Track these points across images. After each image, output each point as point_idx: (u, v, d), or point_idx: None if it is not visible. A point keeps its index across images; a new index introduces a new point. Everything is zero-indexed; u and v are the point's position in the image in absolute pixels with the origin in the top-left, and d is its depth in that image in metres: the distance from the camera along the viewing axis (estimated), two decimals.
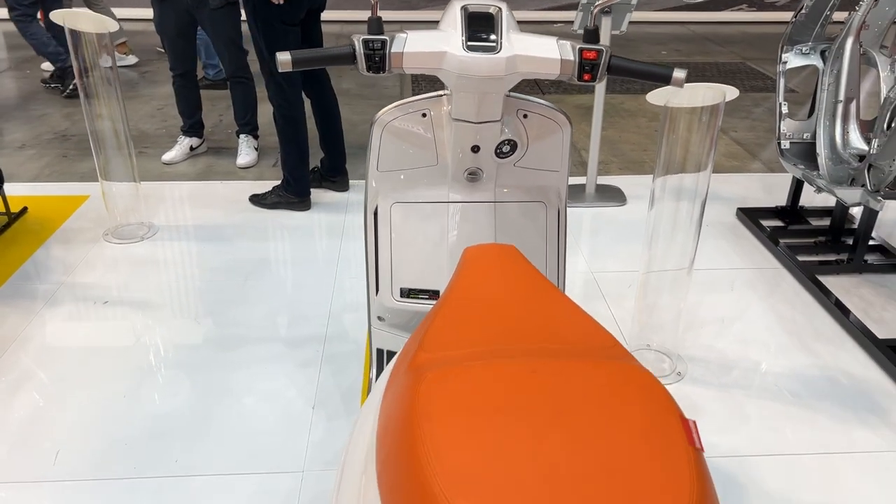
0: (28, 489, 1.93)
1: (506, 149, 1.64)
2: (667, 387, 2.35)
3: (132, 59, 6.10)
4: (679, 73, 1.45)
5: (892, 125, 2.52)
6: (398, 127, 1.68)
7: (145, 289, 2.87)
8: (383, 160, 1.72)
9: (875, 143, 2.62)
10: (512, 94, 1.62)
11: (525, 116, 1.67)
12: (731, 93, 2.11)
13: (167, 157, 4.13)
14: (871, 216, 2.96)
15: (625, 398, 0.84)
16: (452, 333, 1.04)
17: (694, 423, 0.83)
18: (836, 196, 2.79)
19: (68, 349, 2.50)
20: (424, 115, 1.66)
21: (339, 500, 1.07)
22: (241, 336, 2.58)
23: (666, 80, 1.46)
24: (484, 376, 0.88)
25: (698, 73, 6.10)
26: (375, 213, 1.78)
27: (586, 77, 1.46)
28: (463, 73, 1.45)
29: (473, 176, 1.68)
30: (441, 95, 1.65)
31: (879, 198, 2.57)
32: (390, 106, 1.67)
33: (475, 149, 1.62)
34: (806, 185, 3.51)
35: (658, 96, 2.16)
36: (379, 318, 1.90)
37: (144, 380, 2.35)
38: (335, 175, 3.74)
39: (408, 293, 1.80)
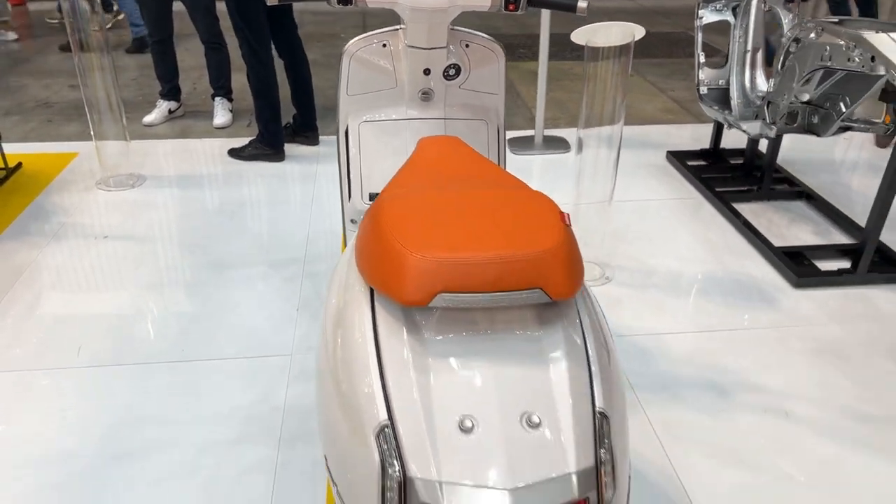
0: (60, 374, 2.29)
1: (451, 72, 2.03)
2: (596, 288, 2.78)
3: (12, 36, 6.39)
4: (582, 3, 1.86)
5: (785, 67, 2.97)
6: (363, 56, 2.05)
7: (140, 226, 3.21)
8: (352, 85, 2.09)
9: (772, 82, 3.07)
10: (456, 27, 2.01)
11: (467, 46, 2.06)
12: (639, 31, 2.53)
13: (147, 119, 4.44)
14: (773, 150, 3.42)
15: (527, 201, 1.24)
16: (406, 182, 1.43)
17: (568, 215, 1.23)
18: (742, 129, 3.24)
19: (78, 270, 2.84)
20: (385, 45, 2.03)
21: (328, 302, 1.43)
22: (230, 261, 2.94)
23: (572, 9, 1.87)
24: (428, 194, 1.27)
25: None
26: (346, 132, 2.15)
27: (511, 7, 1.86)
28: (415, 7, 1.83)
29: (426, 96, 2.07)
30: (397, 29, 2.03)
31: (773, 127, 3.02)
32: (356, 38, 2.05)
33: (426, 72, 2.00)
34: (726, 131, 3.97)
35: (580, 35, 2.56)
36: (352, 220, 2.28)
37: (149, 292, 2.70)
38: (307, 130, 4.09)
39: (375, 197, 2.19)
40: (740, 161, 3.82)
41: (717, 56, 3.93)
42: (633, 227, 3.26)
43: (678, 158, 3.90)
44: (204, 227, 3.21)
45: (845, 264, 2.93)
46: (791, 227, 3.27)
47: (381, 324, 1.14)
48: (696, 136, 4.32)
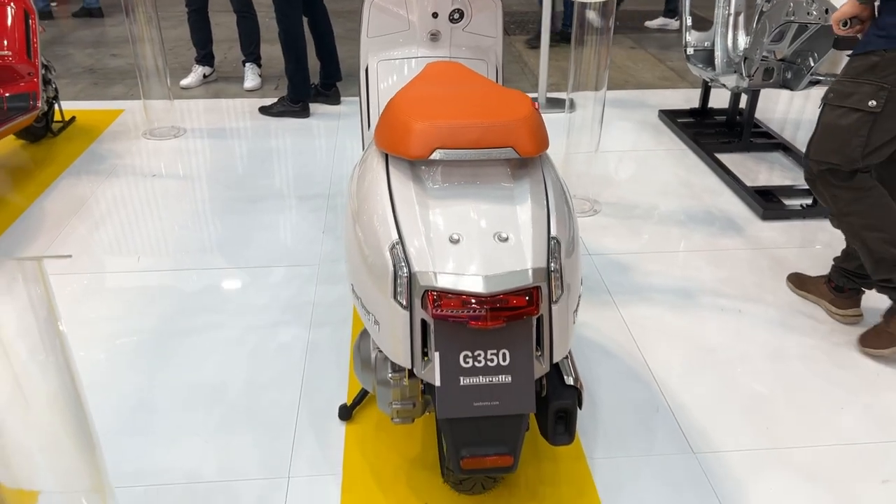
0: (123, 276, 2.72)
1: (456, 16, 2.41)
2: (585, 219, 3.15)
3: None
4: None
5: (759, 24, 3.32)
6: (380, 3, 2.44)
7: (183, 168, 3.63)
8: (371, 28, 2.48)
9: (748, 39, 3.42)
10: None
11: None
12: None
13: (185, 82, 4.86)
14: (752, 105, 3.77)
15: (507, 93, 1.62)
16: (415, 84, 1.81)
17: (537, 103, 1.60)
18: (721, 83, 3.60)
19: (133, 198, 3.27)
20: None
21: (353, 175, 1.82)
22: (262, 195, 3.36)
23: None
24: (431, 88, 1.66)
25: (649, 15, 6.86)
26: (367, 69, 2.54)
27: None
28: None
29: (434, 37, 2.45)
30: None
31: (747, 79, 3.37)
32: None
33: (434, 15, 2.38)
34: (713, 91, 4.31)
35: None
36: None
37: (194, 218, 3.13)
38: (328, 87, 4.49)
39: None
40: (724, 118, 4.17)
41: (705, 22, 4.33)
42: (623, 172, 3.62)
43: (669, 117, 4.25)
44: (238, 169, 3.62)
45: (808, 201, 3.28)
46: (765, 172, 3.62)
47: (393, 177, 1.53)
48: (688, 98, 4.66)
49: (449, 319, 1.34)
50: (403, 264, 1.39)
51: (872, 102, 2.04)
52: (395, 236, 1.43)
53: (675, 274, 2.76)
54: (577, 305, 1.53)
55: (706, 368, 2.26)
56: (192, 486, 1.83)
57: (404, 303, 1.39)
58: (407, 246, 1.41)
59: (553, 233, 1.45)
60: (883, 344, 2.30)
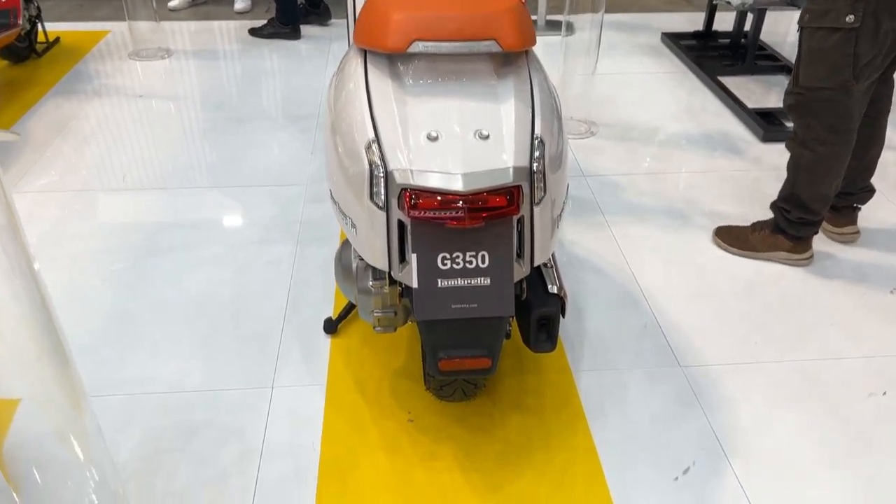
0: (109, 194, 2.68)
1: None
2: (580, 141, 3.08)
3: None
4: None
5: None
6: None
7: (171, 89, 3.54)
8: None
9: None
10: None
11: None
12: None
13: (172, 3, 4.71)
14: (757, 27, 3.63)
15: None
16: None
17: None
18: (726, 1, 3.47)
19: (121, 117, 3.21)
20: None
21: (333, 78, 1.75)
22: (251, 115, 3.28)
23: None
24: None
25: None
26: None
27: None
28: None
29: None
30: None
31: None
32: None
33: None
34: (718, 14, 4.16)
35: None
36: None
37: (182, 137, 3.06)
38: (316, 4, 4.35)
39: None
40: (728, 41, 4.03)
41: None
42: (622, 95, 3.52)
43: (672, 39, 4.11)
44: (227, 90, 3.53)
45: None
46: (767, 94, 3.52)
47: (371, 75, 1.46)
48: (692, 21, 4.51)
49: (426, 220, 1.29)
50: (379, 163, 1.34)
51: (850, 18, 1.94)
52: (371, 134, 1.37)
53: (670, 195, 2.71)
54: (562, 211, 1.49)
55: (697, 287, 2.23)
56: (174, 395, 1.83)
57: (381, 204, 1.35)
58: (383, 144, 1.35)
59: (537, 132, 1.39)
60: (733, 243, 2.39)
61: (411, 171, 1.31)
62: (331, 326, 2.01)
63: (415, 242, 1.34)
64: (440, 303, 1.35)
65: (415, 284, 1.35)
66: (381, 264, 1.39)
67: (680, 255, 2.38)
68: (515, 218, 1.36)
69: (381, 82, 1.44)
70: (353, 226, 1.43)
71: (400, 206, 1.33)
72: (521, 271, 1.39)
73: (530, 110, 1.42)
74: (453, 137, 1.34)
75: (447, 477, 1.63)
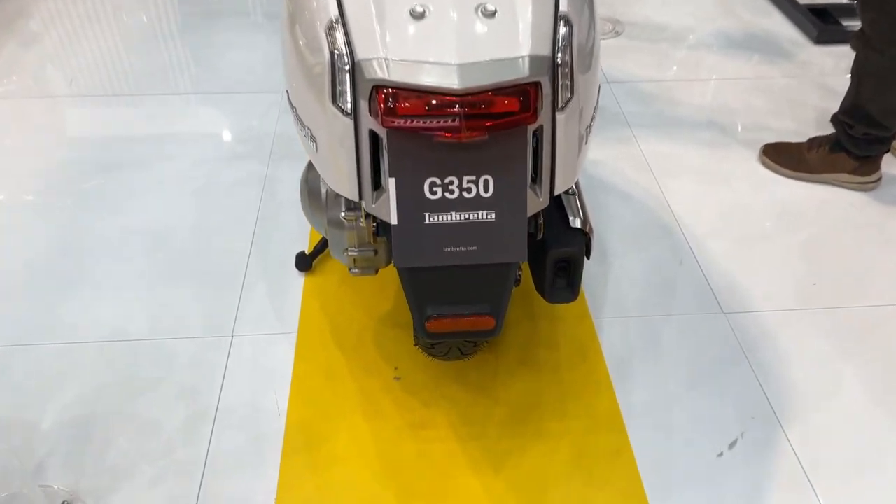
0: (54, 102, 2.31)
1: None
2: (604, 41, 2.66)
3: None
4: None
5: None
6: None
7: None
8: None
9: None
10: None
11: None
12: None
13: None
14: None
15: None
16: None
17: None
18: None
19: (72, 14, 2.79)
20: None
21: None
22: (225, 11, 2.86)
23: None
24: None
25: None
26: None
27: None
28: None
29: None
30: None
31: None
32: None
33: None
34: None
35: None
36: None
37: (144, 33, 2.66)
38: None
39: None
40: None
41: None
42: None
43: None
44: None
45: None
46: None
47: None
48: None
49: (407, 130, 0.94)
50: (344, 50, 0.97)
51: None
52: (333, 11, 1.00)
53: (708, 105, 2.32)
54: (592, 121, 1.12)
55: (740, 218, 1.88)
56: (117, 344, 1.52)
57: (346, 108, 0.99)
58: (350, 23, 0.98)
59: (563, 8, 1.01)
60: (784, 163, 2.03)
61: (387, 62, 0.95)
62: (304, 262, 1.68)
63: (393, 162, 0.99)
64: (428, 245, 1.02)
65: (393, 221, 1.00)
66: (349, 192, 1.05)
67: (721, 177, 2.01)
68: (532, 129, 1.00)
69: None
70: (313, 139, 1.08)
71: (372, 112, 0.97)
72: (537, 202, 1.05)
73: None
74: (446, 13, 0.97)
75: (440, 448, 1.34)
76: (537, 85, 0.96)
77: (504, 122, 0.94)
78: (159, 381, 1.45)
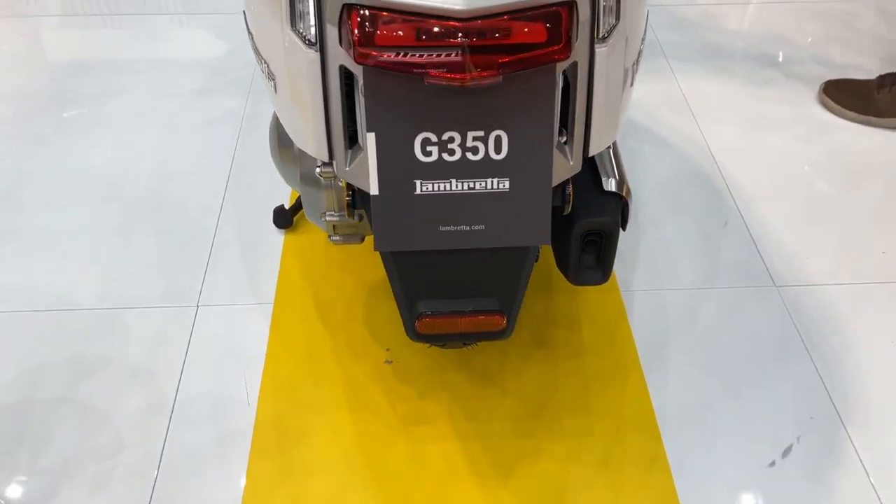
0: (8, 22, 2.03)
1: None
2: None
3: None
4: None
5: None
6: None
7: None
8: None
9: None
10: None
11: None
12: None
13: None
14: None
15: None
16: None
17: None
18: None
19: None
20: None
21: None
22: None
23: None
24: None
25: None
26: None
27: None
28: None
29: None
30: None
31: None
32: None
33: None
34: None
35: None
36: None
37: None
38: None
39: None
40: None
41: None
42: None
43: None
44: None
45: None
46: None
47: None
48: None
49: (390, 67, 0.68)
50: None
51: None
52: None
53: (757, 34, 2.01)
54: (639, 55, 0.86)
55: (795, 171, 1.61)
56: (63, 314, 1.30)
57: (310, 36, 0.73)
58: None
59: None
60: (849, 104, 1.72)
61: None
62: (284, 218, 1.44)
63: (372, 112, 0.73)
64: (418, 223, 0.77)
65: (373, 191, 0.76)
66: (315, 149, 0.80)
67: (774, 121, 1.73)
68: (562, 67, 0.74)
69: None
70: (271, 76, 0.82)
71: (343, 42, 0.71)
72: (566, 166, 0.79)
73: None
74: None
75: (437, 450, 1.12)
76: (571, 6, 0.69)
77: (525, 59, 0.67)
78: (109, 361, 1.24)
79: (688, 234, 1.46)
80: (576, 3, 0.69)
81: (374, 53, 0.67)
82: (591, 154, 0.80)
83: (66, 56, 1.90)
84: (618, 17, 0.75)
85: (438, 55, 0.66)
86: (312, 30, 0.73)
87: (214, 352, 1.25)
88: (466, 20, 0.66)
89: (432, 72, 0.67)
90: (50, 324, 1.29)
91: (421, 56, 0.67)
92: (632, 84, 0.84)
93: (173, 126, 1.69)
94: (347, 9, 0.68)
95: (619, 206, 0.95)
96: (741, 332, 1.29)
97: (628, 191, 0.97)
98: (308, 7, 0.71)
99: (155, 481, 1.08)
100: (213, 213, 1.49)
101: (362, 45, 0.67)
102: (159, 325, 1.29)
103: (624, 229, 0.99)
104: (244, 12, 0.94)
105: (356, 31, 0.68)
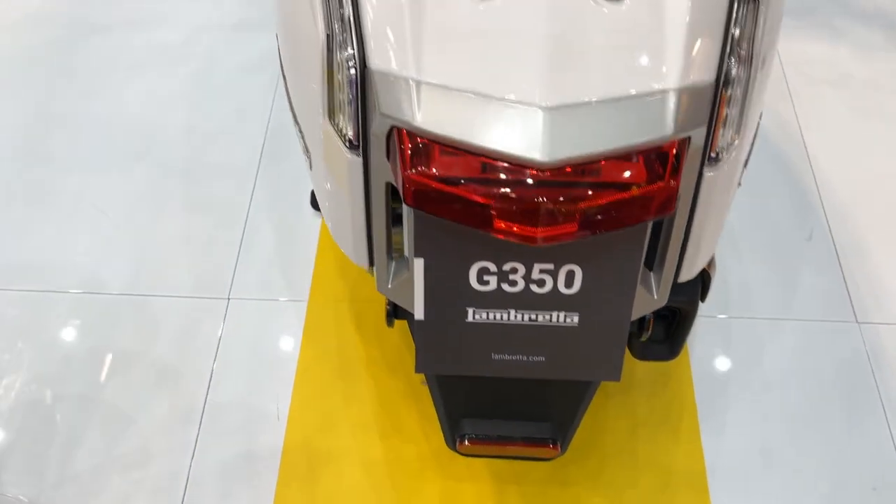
0: None
1: None
2: None
3: None
4: None
5: None
6: None
7: None
8: None
9: None
10: None
11: None
12: None
13: None
14: None
15: None
16: None
17: None
18: None
19: None
20: None
21: None
22: None
23: None
24: None
25: None
26: None
27: None
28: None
29: None
30: None
31: None
32: None
33: None
34: None
35: None
36: None
37: None
38: None
39: None
40: None
41: None
42: None
43: None
44: None
45: None
46: None
47: None
48: None
49: (441, 211, 0.55)
50: (348, 40, 0.56)
51: None
52: None
53: None
54: (752, 147, 0.69)
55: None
56: (88, 297, 1.24)
57: (349, 136, 0.59)
58: None
59: None
60: None
61: (418, 88, 0.53)
62: None
63: (421, 238, 0.61)
64: (469, 349, 0.66)
65: (418, 315, 0.64)
66: (353, 255, 0.68)
67: (892, 106, 1.50)
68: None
69: None
70: (307, 150, 0.69)
71: (390, 157, 0.57)
72: (649, 301, 0.67)
73: None
74: None
75: (470, 490, 1.06)
76: (685, 142, 0.53)
77: (617, 220, 0.53)
78: (136, 357, 1.19)
79: (764, 248, 1.31)
80: (690, 137, 0.53)
81: (428, 201, 0.54)
82: (684, 279, 0.67)
83: None
84: (739, 130, 0.59)
85: (506, 204, 0.52)
86: (350, 130, 0.58)
87: (245, 354, 1.19)
88: (549, 168, 0.51)
89: (498, 222, 0.54)
90: (75, 308, 1.24)
91: (489, 207, 0.52)
92: (740, 184, 0.69)
93: (204, 71, 1.54)
94: (396, 130, 0.54)
95: (699, 283, 0.82)
96: (811, 374, 1.17)
97: (713, 262, 0.84)
98: (350, 108, 0.57)
99: (183, 502, 1.07)
100: (246, 186, 1.37)
101: (414, 186, 0.54)
102: (188, 318, 1.22)
103: (703, 301, 0.86)
104: (277, 36, 0.78)
105: (406, 158, 0.54)
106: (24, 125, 1.47)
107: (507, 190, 0.51)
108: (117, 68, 1.55)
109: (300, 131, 0.70)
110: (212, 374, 1.17)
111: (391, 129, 0.56)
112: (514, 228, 0.54)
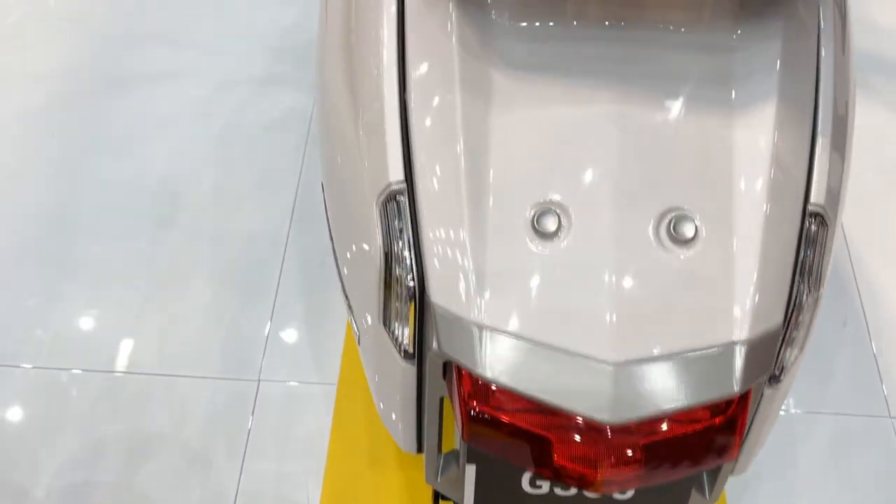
0: None
1: None
2: None
3: None
4: None
5: None
6: None
7: None
8: None
9: None
10: None
11: None
12: None
13: None
14: None
15: None
16: None
17: None
18: None
19: None
20: None
21: None
22: None
23: None
24: None
25: None
26: None
27: None
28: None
29: None
30: None
31: None
32: None
33: None
34: None
35: None
36: None
37: None
38: None
39: None
40: None
41: None
42: None
43: None
44: None
45: None
46: None
47: (410, 10, 0.56)
48: None
49: (497, 450, 0.54)
50: (407, 262, 0.54)
51: None
52: (395, 175, 0.55)
53: None
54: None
55: None
56: (120, 378, 1.24)
57: (404, 345, 0.58)
58: (421, 203, 0.54)
59: (816, 198, 0.54)
60: None
61: (482, 336, 0.52)
62: None
63: (474, 448, 0.60)
64: None
65: None
66: (403, 443, 0.67)
67: None
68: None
69: (436, 41, 0.55)
70: (358, 329, 0.68)
71: (451, 386, 0.56)
72: (701, 502, 0.66)
73: (809, 129, 0.54)
74: (600, 229, 0.51)
75: None
76: (746, 396, 0.52)
77: (677, 473, 0.52)
78: (166, 440, 1.19)
79: None
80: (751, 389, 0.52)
81: (487, 445, 0.53)
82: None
83: (113, 25, 1.69)
84: (802, 347, 0.58)
85: (571, 460, 0.51)
86: (406, 340, 0.58)
87: (276, 441, 1.19)
88: (617, 428, 0.50)
89: (557, 464, 0.53)
90: (106, 388, 1.24)
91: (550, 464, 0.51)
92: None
93: (231, 129, 1.52)
94: (456, 369, 0.53)
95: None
96: (841, 472, 1.17)
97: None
98: (407, 325, 0.56)
99: None
100: (276, 259, 1.36)
101: (473, 430, 0.53)
102: (218, 401, 1.22)
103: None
104: (322, 184, 0.76)
105: (467, 407, 0.53)
106: (47, 187, 1.46)
107: (570, 436, 0.50)
108: (143, 125, 1.53)
109: (349, 305, 0.69)
110: (242, 463, 1.18)
111: (454, 367, 0.55)
112: (575, 472, 0.53)
